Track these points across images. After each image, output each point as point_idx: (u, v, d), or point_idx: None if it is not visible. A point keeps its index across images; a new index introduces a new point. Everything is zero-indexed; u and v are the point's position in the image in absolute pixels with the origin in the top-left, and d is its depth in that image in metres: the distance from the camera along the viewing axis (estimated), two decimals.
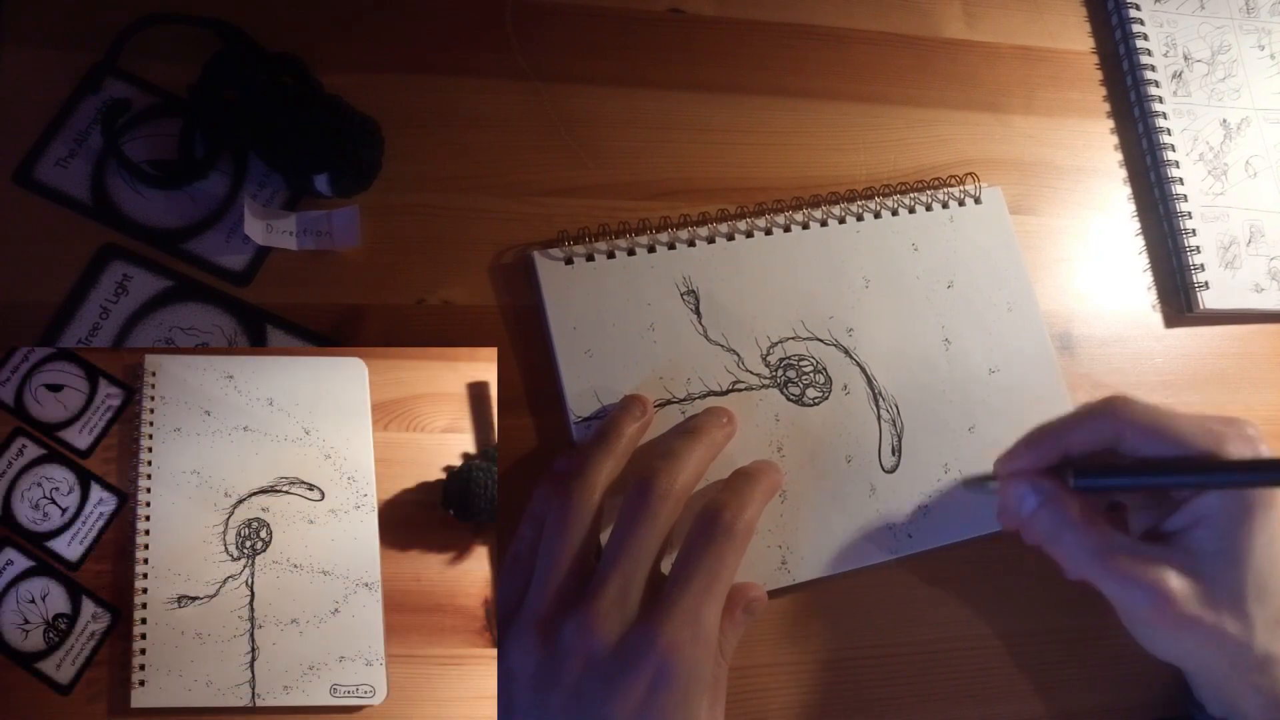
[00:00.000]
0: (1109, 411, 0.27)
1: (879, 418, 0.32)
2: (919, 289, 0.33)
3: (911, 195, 0.34)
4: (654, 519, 0.25)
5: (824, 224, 0.33)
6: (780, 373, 0.31)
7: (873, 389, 0.32)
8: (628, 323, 0.30)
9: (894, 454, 0.31)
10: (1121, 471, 0.27)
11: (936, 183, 0.35)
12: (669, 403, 0.30)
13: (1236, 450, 0.26)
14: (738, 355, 0.31)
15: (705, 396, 0.30)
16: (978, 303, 0.34)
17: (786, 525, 0.30)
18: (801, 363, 0.31)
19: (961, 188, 0.35)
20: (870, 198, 0.34)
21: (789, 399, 0.31)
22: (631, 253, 0.30)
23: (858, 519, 0.31)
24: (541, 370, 0.31)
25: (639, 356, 0.30)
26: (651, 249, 0.31)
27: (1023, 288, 0.35)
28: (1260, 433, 0.27)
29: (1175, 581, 0.26)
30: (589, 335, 0.30)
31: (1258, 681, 0.27)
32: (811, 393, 0.31)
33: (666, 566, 0.26)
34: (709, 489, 0.29)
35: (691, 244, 0.31)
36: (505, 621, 0.26)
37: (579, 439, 0.29)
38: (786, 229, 0.32)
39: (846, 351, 0.32)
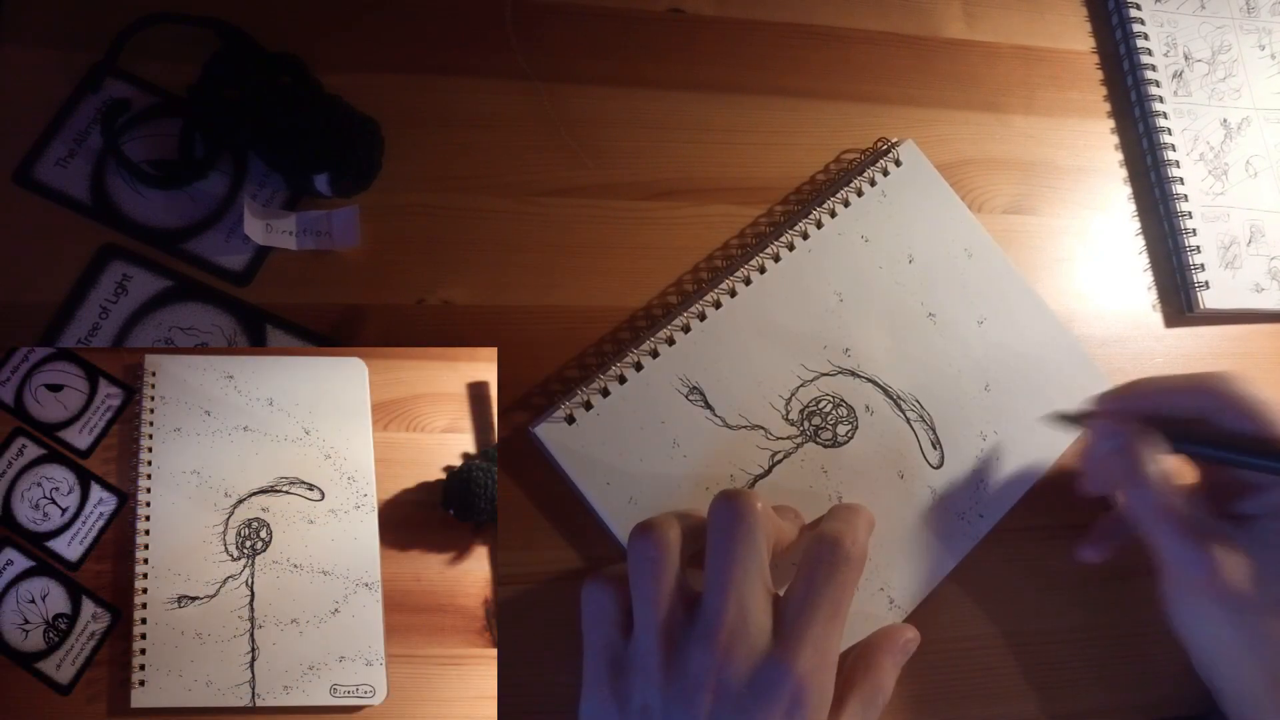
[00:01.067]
0: (1215, 385, 0.28)
1: (908, 421, 0.32)
2: (885, 278, 0.33)
3: (840, 191, 0.34)
4: (751, 536, 0.25)
5: (776, 259, 0.32)
6: (807, 423, 0.31)
7: (890, 396, 0.32)
8: (652, 449, 0.29)
9: (935, 447, 0.32)
10: (1217, 442, 0.27)
11: (856, 164, 0.35)
12: None
13: None
14: (764, 429, 0.30)
15: (753, 484, 0.30)
16: (940, 262, 0.34)
17: (877, 564, 0.30)
18: (821, 405, 0.31)
19: (879, 158, 0.35)
20: (803, 214, 0.33)
21: (825, 446, 0.31)
22: (623, 380, 0.29)
23: (933, 525, 0.31)
24: (542, 370, 0.31)
25: (675, 473, 0.29)
26: (638, 367, 0.30)
27: (971, 229, 0.35)
28: None
29: (1234, 558, 0.26)
30: (622, 482, 0.29)
31: None
32: (842, 429, 0.31)
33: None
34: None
35: (670, 341, 0.30)
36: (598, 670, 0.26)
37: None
38: (747, 281, 0.31)
39: (853, 373, 0.32)
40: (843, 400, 0.31)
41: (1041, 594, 0.32)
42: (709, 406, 0.30)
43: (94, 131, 0.30)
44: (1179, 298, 0.38)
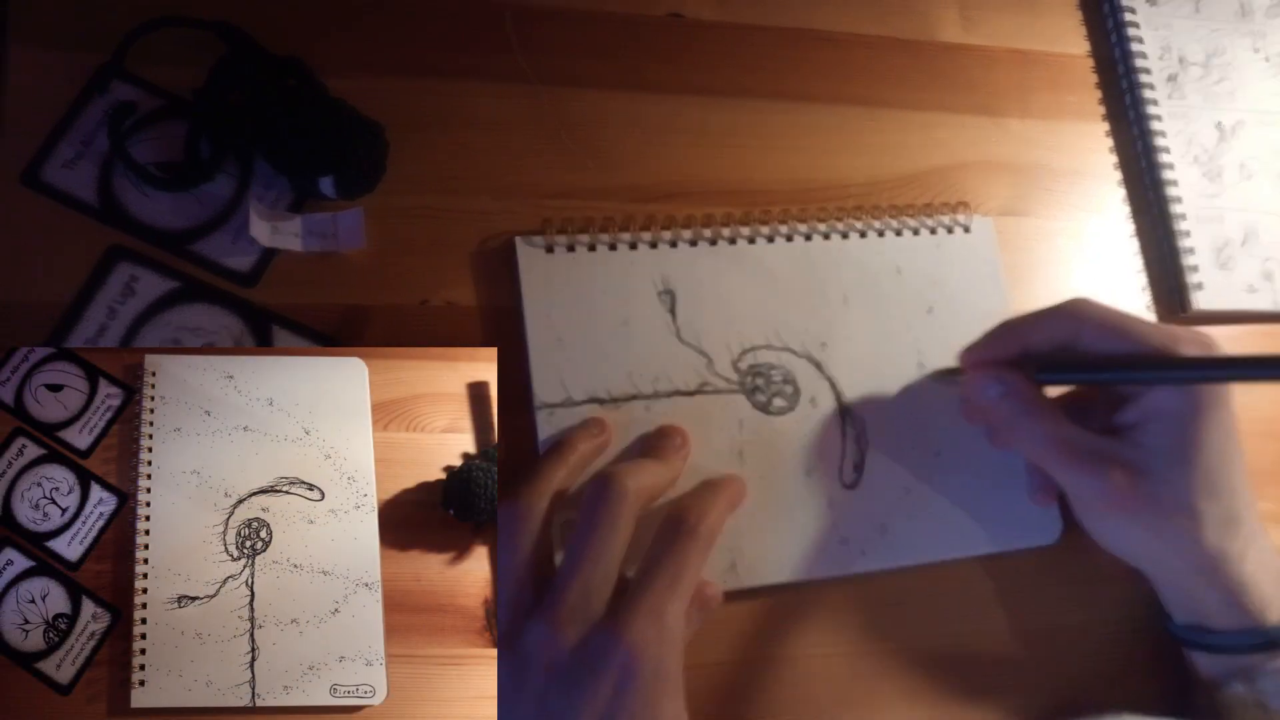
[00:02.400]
0: (1071, 310, 0.29)
1: (844, 433, 0.32)
2: (898, 312, 0.33)
3: (901, 218, 0.34)
4: (612, 519, 0.25)
5: (808, 238, 0.33)
6: (749, 379, 0.31)
7: (840, 404, 0.32)
8: (602, 315, 0.30)
9: (855, 470, 0.32)
10: (1080, 366, 0.29)
11: (929, 208, 0.36)
12: (634, 398, 0.30)
13: (1190, 350, 0.27)
14: (708, 358, 0.31)
15: (671, 396, 0.30)
16: (956, 332, 0.33)
17: (739, 530, 0.30)
18: (771, 371, 0.31)
19: (953, 215, 0.35)
20: (859, 216, 0.34)
21: (755, 406, 0.31)
22: (613, 248, 0.30)
23: (810, 531, 0.31)
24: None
25: (610, 350, 0.30)
26: (633, 246, 0.31)
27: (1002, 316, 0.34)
28: (1215, 341, 0.28)
29: (1123, 471, 0.27)
30: (562, 323, 0.30)
31: (1212, 580, 0.28)
32: (778, 402, 0.31)
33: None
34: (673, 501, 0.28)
35: (674, 245, 0.31)
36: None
37: (541, 428, 0.29)
38: (770, 239, 0.32)
39: (818, 365, 0.32)
40: (794, 380, 0.31)
41: (1000, 608, 0.32)
42: (672, 313, 0.30)
43: (101, 134, 0.30)
44: (1173, 299, 0.38)
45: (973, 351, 0.30)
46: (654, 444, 0.29)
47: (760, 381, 0.31)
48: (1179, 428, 0.27)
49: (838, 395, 0.32)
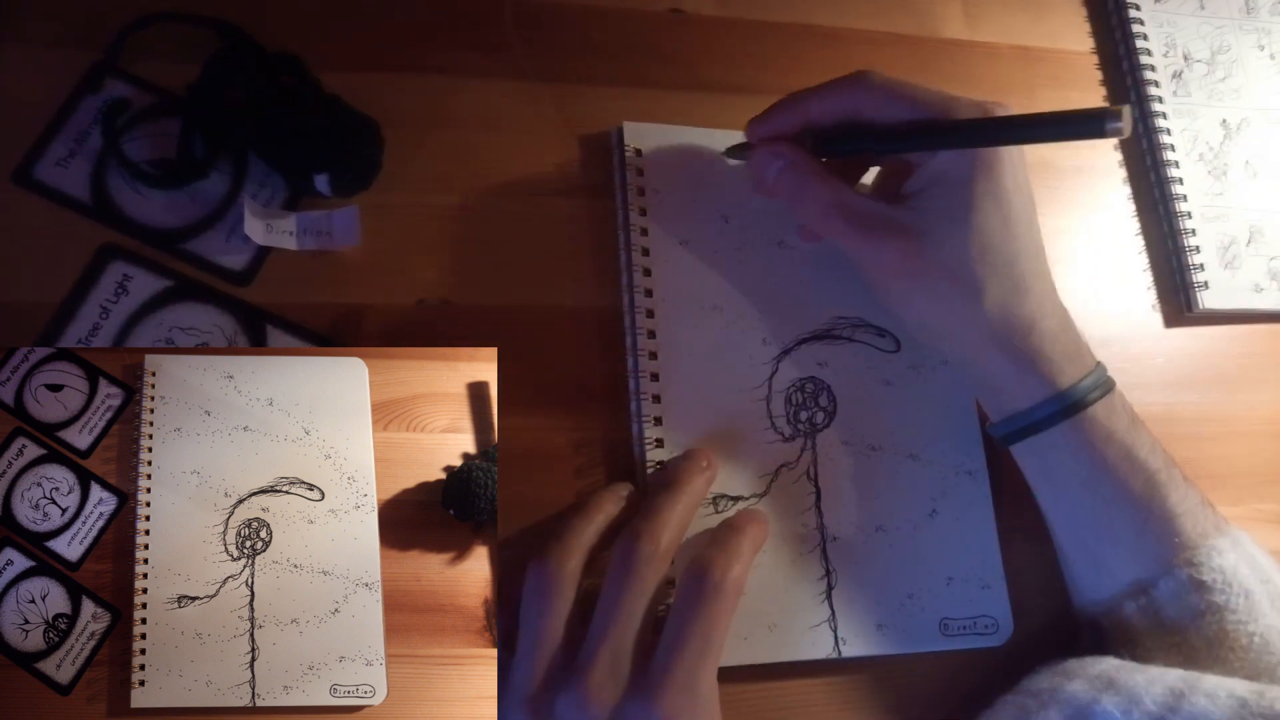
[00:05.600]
0: (851, 80, 0.28)
1: (849, 339, 0.32)
2: (724, 257, 0.32)
3: (628, 215, 0.31)
4: (640, 583, 0.25)
5: (649, 294, 0.30)
6: (797, 421, 0.30)
7: (819, 337, 0.31)
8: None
9: (883, 335, 0.32)
10: (856, 135, 0.29)
11: (612, 174, 0.32)
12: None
13: (966, 113, 0.27)
14: (784, 465, 0.30)
15: (811, 483, 0.30)
16: (744, 195, 0.32)
17: (943, 452, 0.30)
18: (792, 397, 0.31)
19: (623, 156, 0.32)
20: (630, 264, 0.31)
21: (822, 428, 0.31)
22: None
23: (937, 389, 0.31)
24: (542, 370, 0.31)
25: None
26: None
27: (725, 142, 0.33)
28: (1006, 106, 0.27)
29: (902, 235, 0.27)
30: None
31: (1004, 350, 0.28)
32: (822, 399, 0.31)
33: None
34: (697, 539, 0.28)
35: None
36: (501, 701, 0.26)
37: None
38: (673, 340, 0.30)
39: (783, 351, 0.31)
40: (800, 379, 0.31)
41: None
42: (727, 497, 0.29)
43: (94, 131, 0.30)
44: (1178, 298, 0.38)
45: (757, 124, 0.30)
46: (678, 472, 0.28)
47: (805, 414, 0.31)
48: (954, 190, 0.27)
49: (812, 336, 0.32)
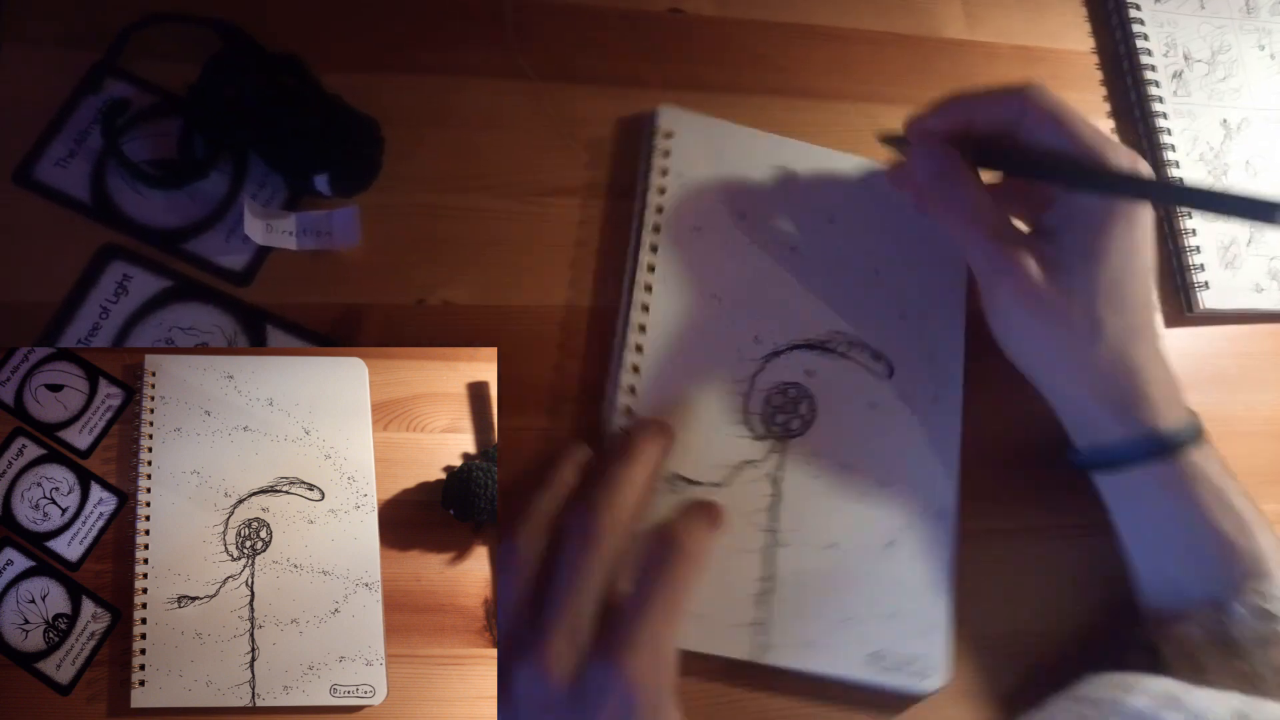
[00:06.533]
0: (1019, 93, 0.29)
1: (843, 355, 0.31)
2: (735, 249, 0.32)
3: (646, 199, 0.32)
4: (598, 554, 0.25)
5: (646, 308, 0.30)
6: (773, 425, 0.30)
7: (814, 347, 0.31)
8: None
9: (878, 360, 0.32)
10: (1014, 156, 0.29)
11: (637, 159, 0.33)
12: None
13: (1117, 161, 0.28)
14: (749, 462, 0.30)
15: (772, 504, 0.30)
16: (765, 196, 0.33)
17: (890, 511, 0.30)
18: (772, 400, 0.30)
19: (652, 140, 0.32)
20: (637, 242, 0.31)
21: (797, 435, 0.30)
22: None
23: (919, 429, 0.31)
24: (541, 370, 0.31)
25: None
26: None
27: (769, 146, 0.33)
28: (1145, 162, 0.28)
29: (1034, 263, 0.28)
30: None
31: (1106, 390, 0.28)
32: (803, 407, 0.31)
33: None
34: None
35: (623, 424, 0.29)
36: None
37: None
38: (642, 328, 0.30)
39: (772, 353, 0.31)
40: (785, 383, 0.31)
41: (1042, 595, 0.32)
42: (684, 479, 0.29)
43: (94, 131, 0.30)
44: (1179, 298, 0.38)
45: (918, 120, 0.30)
46: (636, 442, 0.28)
47: (781, 417, 0.30)
48: (1094, 231, 0.28)
49: (806, 346, 0.31)
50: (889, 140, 0.33)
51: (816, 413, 0.31)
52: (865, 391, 0.32)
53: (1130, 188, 0.28)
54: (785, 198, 0.33)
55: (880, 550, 0.30)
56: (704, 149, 0.33)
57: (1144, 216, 0.28)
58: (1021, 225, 0.30)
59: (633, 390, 0.30)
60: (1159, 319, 0.30)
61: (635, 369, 0.30)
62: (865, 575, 0.30)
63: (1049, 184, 0.29)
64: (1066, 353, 0.29)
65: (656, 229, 0.31)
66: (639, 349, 0.30)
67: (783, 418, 0.31)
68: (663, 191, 0.32)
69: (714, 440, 0.30)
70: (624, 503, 0.26)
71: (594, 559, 0.25)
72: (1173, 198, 0.31)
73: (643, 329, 0.30)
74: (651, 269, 0.31)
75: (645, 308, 0.31)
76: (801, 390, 0.31)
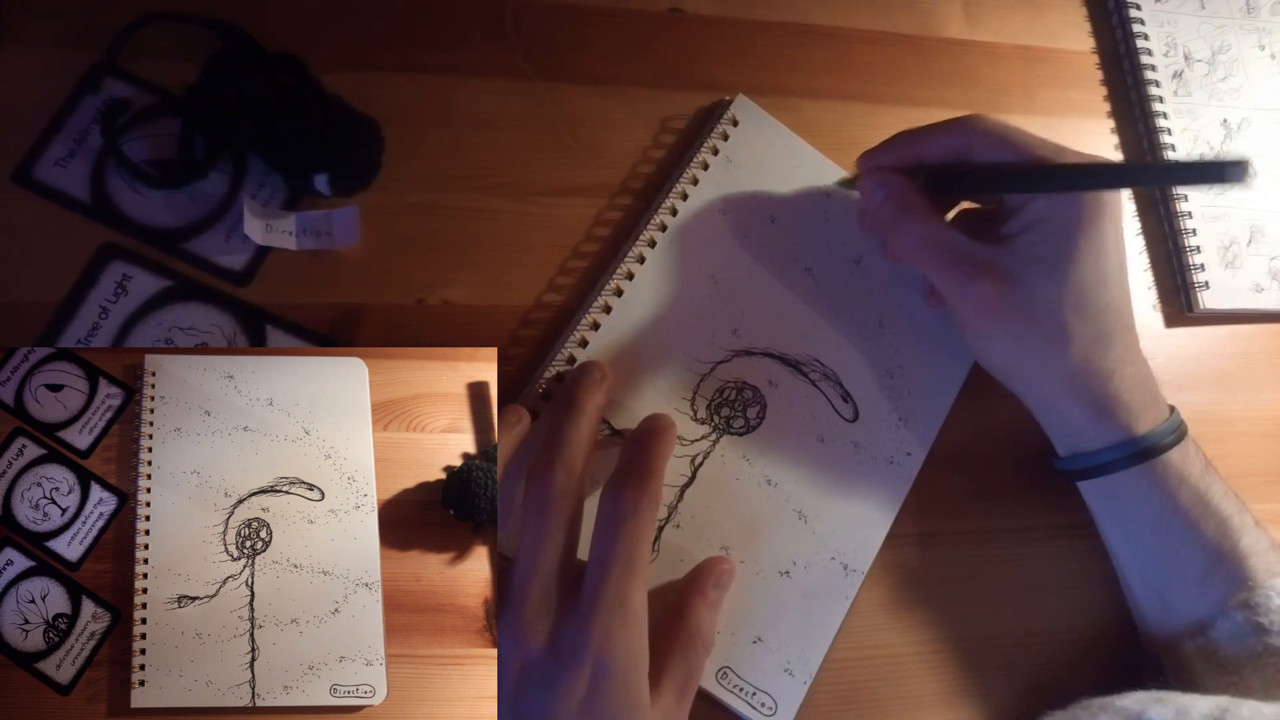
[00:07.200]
0: (963, 123, 0.29)
1: (813, 383, 0.31)
2: (752, 246, 0.32)
3: (686, 170, 0.32)
4: (560, 513, 0.25)
5: (641, 260, 0.31)
6: (717, 416, 0.30)
7: (789, 364, 0.31)
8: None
9: (846, 401, 0.31)
10: (963, 174, 0.29)
11: (692, 136, 0.34)
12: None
13: (1073, 159, 0.28)
14: (678, 438, 0.29)
15: (681, 495, 0.29)
16: (803, 214, 0.33)
17: (822, 535, 0.30)
18: (726, 393, 0.30)
19: (715, 122, 0.33)
20: (658, 203, 0.32)
21: (740, 434, 0.30)
22: (547, 398, 0.29)
23: (866, 478, 0.31)
24: (541, 369, 0.31)
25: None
26: (545, 396, 0.29)
27: (823, 169, 0.34)
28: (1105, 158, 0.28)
29: (993, 278, 0.28)
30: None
31: (1080, 397, 0.28)
32: (752, 412, 0.30)
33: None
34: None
35: (570, 361, 0.29)
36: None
37: None
38: (618, 292, 0.30)
39: (746, 351, 0.31)
40: (745, 383, 0.31)
41: (1034, 595, 0.32)
42: (610, 427, 0.29)
43: (94, 131, 0.30)
44: (1179, 298, 0.38)
45: (868, 157, 0.31)
46: (576, 392, 0.27)
47: (727, 411, 0.30)
48: (1054, 237, 0.27)
49: (781, 359, 0.31)
50: (846, 184, 0.33)
51: (763, 422, 0.31)
52: (821, 424, 0.31)
53: (1087, 177, 0.27)
54: (820, 223, 0.33)
55: (773, 575, 0.29)
56: (761, 147, 0.33)
57: (1108, 222, 0.28)
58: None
59: (584, 344, 0.30)
60: (1133, 319, 0.29)
61: (595, 326, 0.30)
62: (749, 591, 0.29)
63: (1008, 193, 0.29)
64: (1038, 363, 0.28)
65: (673, 211, 0.31)
66: (618, 292, 0.30)
67: (728, 412, 0.30)
68: (705, 167, 0.32)
69: (654, 404, 0.30)
70: (573, 459, 0.26)
71: (557, 520, 0.25)
72: (1128, 179, 0.30)
73: (618, 293, 0.31)
74: (642, 260, 0.31)
75: (642, 258, 0.31)
76: (758, 395, 0.31)
